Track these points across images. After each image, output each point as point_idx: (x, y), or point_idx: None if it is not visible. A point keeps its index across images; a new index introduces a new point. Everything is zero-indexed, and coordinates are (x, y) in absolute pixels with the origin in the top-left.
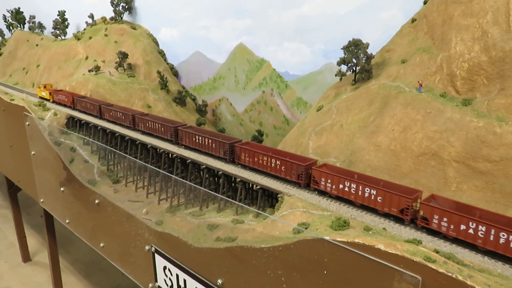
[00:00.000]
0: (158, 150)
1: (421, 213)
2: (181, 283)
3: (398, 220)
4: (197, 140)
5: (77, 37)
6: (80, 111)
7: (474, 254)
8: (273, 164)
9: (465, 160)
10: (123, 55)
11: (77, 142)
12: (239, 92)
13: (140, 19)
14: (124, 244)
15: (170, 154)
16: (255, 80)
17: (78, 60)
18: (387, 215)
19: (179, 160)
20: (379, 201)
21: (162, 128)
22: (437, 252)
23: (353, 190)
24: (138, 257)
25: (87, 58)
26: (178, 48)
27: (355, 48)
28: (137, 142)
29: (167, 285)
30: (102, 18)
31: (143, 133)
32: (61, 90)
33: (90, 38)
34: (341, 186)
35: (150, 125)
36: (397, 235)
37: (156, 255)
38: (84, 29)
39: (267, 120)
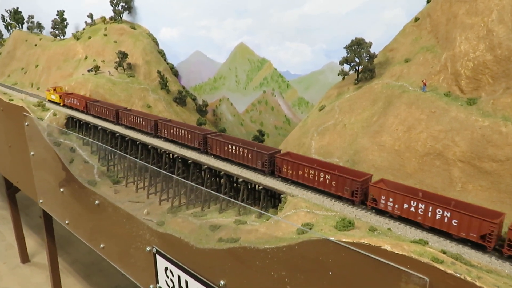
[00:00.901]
0: (159, 150)
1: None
2: (183, 284)
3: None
4: (230, 150)
5: (76, 37)
6: (94, 116)
7: (481, 255)
8: (321, 179)
9: (470, 160)
10: (123, 55)
11: (77, 143)
12: (240, 92)
13: (139, 18)
14: (125, 245)
15: (171, 154)
16: (256, 80)
17: (78, 60)
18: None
19: (180, 160)
20: (454, 224)
21: (189, 136)
22: (444, 253)
23: (421, 211)
24: (139, 258)
25: (86, 58)
26: (178, 48)
27: (357, 47)
28: (137, 142)
29: (169, 286)
30: (101, 17)
31: (166, 140)
32: (72, 93)
33: (90, 38)
34: (406, 205)
35: (175, 132)
36: (402, 236)
37: (157, 256)
38: (83, 29)
39: (268, 120)
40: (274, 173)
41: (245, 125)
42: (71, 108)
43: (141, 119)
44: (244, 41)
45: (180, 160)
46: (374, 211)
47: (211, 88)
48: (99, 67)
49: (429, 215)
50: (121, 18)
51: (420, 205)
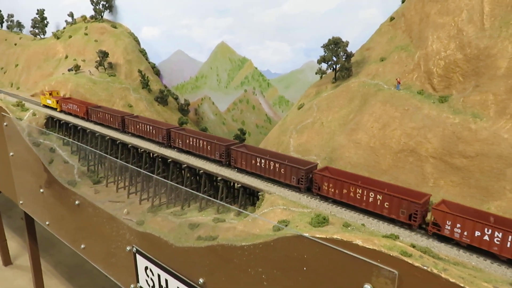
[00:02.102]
0: (139, 150)
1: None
2: (163, 283)
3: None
4: (258, 164)
5: (56, 36)
6: (96, 123)
7: (450, 248)
8: (370, 199)
9: (442, 156)
10: (104, 54)
11: (57, 143)
12: (221, 91)
13: (121, 17)
14: (106, 245)
15: (151, 154)
16: (237, 79)
17: (58, 59)
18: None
19: (160, 159)
20: None
21: (209, 147)
22: (414, 247)
23: (497, 241)
24: (120, 258)
25: (67, 57)
26: (160, 47)
27: (335, 46)
28: (117, 142)
29: (149, 285)
30: (82, 16)
31: (180, 150)
32: (70, 98)
33: (70, 37)
34: (477, 233)
35: (191, 142)
36: (375, 231)
37: (137, 255)
38: (64, 28)
39: (249, 119)
40: (310, 190)
41: (227, 124)
42: (69, 114)
43: (150, 127)
44: (225, 40)
45: (160, 159)
46: (436, 237)
47: (193, 87)
48: (80, 66)
49: (508, 245)
50: (102, 17)
51: (496, 233)
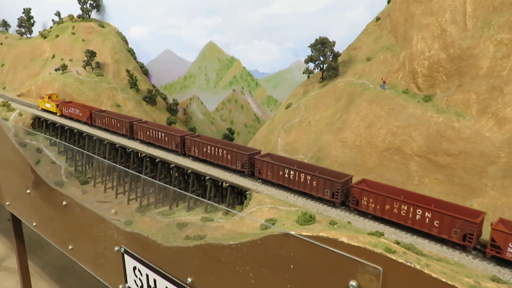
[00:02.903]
0: (127, 149)
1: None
2: (151, 283)
3: None
4: (288, 176)
5: (43, 35)
6: (101, 129)
7: (434, 245)
8: (417, 216)
9: (426, 154)
10: (91, 54)
11: (44, 143)
12: (210, 90)
13: (108, 17)
14: (93, 245)
15: (139, 154)
16: (226, 78)
17: (45, 59)
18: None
19: (148, 159)
20: None
21: (229, 156)
22: (398, 243)
23: None
24: (108, 258)
25: (53, 56)
26: (148, 46)
27: (322, 46)
28: (105, 142)
29: (137, 285)
30: (69, 16)
31: (196, 159)
32: (71, 102)
33: (57, 36)
34: None
35: (209, 151)
36: (361, 228)
37: (125, 255)
38: (51, 27)
39: (238, 118)
40: (345, 204)
41: (216, 123)
42: (71, 119)
43: (163, 134)
44: (213, 40)
45: (148, 159)
46: (495, 260)
47: (182, 87)
48: (67, 66)
49: None
50: (89, 16)
51: None
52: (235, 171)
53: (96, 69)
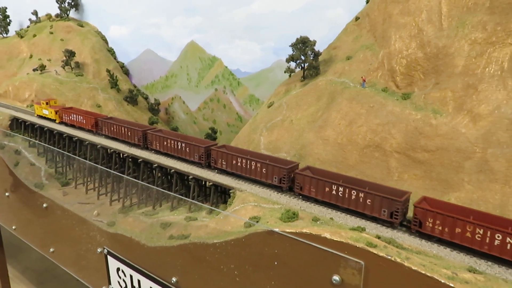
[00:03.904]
0: (108, 150)
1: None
2: (135, 284)
3: None
4: (335, 192)
5: (20, 34)
6: (108, 137)
7: (413, 238)
8: (360, 200)
9: (405, 150)
10: (70, 54)
11: (22, 145)
12: (192, 90)
13: (87, 16)
14: (76, 248)
15: (121, 154)
16: (208, 78)
17: (22, 59)
18: None
19: (130, 159)
20: None
21: (264, 169)
22: (379, 238)
23: None
24: (91, 260)
25: (31, 56)
26: (129, 46)
27: (302, 45)
28: (85, 142)
29: (121, 286)
30: (46, 15)
31: (221, 171)
32: (71, 108)
33: (34, 36)
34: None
35: (240, 164)
36: (343, 224)
37: (108, 257)
38: (28, 27)
39: (220, 117)
40: (402, 223)
41: (198, 123)
42: (72, 126)
43: (183, 145)
44: (194, 39)
45: (130, 160)
46: None
47: (163, 87)
48: (45, 66)
49: None
50: (67, 15)
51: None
52: (270, 186)
53: (75, 69)
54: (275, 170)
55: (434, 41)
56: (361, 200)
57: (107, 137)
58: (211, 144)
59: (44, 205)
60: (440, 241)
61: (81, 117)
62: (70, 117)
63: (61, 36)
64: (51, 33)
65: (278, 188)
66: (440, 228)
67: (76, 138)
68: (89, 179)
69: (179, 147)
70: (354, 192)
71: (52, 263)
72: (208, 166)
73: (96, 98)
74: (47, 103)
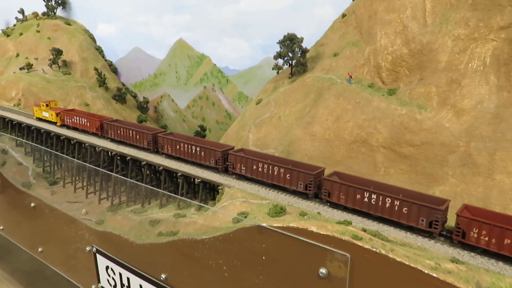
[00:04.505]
0: (96, 148)
1: None
2: (125, 282)
3: None
4: (366, 199)
5: (6, 33)
6: (115, 141)
7: (398, 231)
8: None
9: (391, 145)
10: (57, 52)
11: (9, 144)
12: (181, 88)
13: (74, 14)
14: (64, 247)
15: (109, 152)
16: (196, 75)
17: (8, 58)
18: None
19: (118, 157)
20: None
21: (288, 175)
22: (365, 231)
23: None
24: (80, 259)
25: (18, 55)
26: (117, 44)
27: (290, 42)
28: (73, 141)
29: (111, 284)
30: (33, 13)
31: (240, 177)
32: (73, 110)
33: (21, 34)
34: None
35: (266, 170)
36: (330, 218)
37: (97, 255)
38: (14, 25)
39: (209, 115)
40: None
41: (187, 121)
42: (75, 129)
43: (197, 148)
44: (183, 37)
45: (119, 158)
46: None
47: (152, 85)
48: (32, 65)
49: None
50: (54, 13)
51: None
52: (296, 192)
53: (63, 68)
54: (301, 176)
55: (419, 38)
56: (396, 208)
57: (113, 140)
58: (228, 148)
59: (32, 204)
60: (486, 252)
61: (85, 120)
62: (73, 119)
63: (48, 35)
64: (38, 31)
65: (303, 195)
66: (486, 239)
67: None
68: (77, 178)
69: (194, 151)
70: (388, 200)
71: (41, 264)
72: (226, 172)
73: (84, 97)
74: (47, 105)
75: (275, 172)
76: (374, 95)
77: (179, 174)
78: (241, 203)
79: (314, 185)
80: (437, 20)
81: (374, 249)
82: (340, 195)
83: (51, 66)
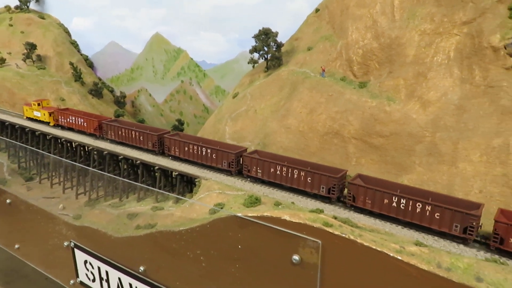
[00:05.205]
0: (73, 143)
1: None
2: (103, 275)
3: None
4: (394, 204)
5: None
6: (115, 142)
7: (368, 218)
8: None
9: (362, 136)
10: (31, 46)
11: None
12: (158, 82)
13: (48, 8)
14: (42, 243)
15: (86, 147)
16: (174, 70)
17: None
18: None
19: (95, 152)
20: None
21: (309, 178)
22: (335, 218)
23: None
24: (57, 254)
25: None
26: (92, 38)
27: (265, 36)
28: (48, 136)
29: (89, 278)
30: (5, 7)
31: (257, 180)
32: (67, 109)
33: None
34: None
35: (276, 170)
36: (304, 207)
37: (75, 250)
38: None
39: (187, 109)
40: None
41: (165, 115)
42: (70, 129)
43: (208, 150)
44: (159, 31)
45: (95, 152)
46: None
47: (129, 79)
48: (5, 59)
49: None
50: (27, 7)
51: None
52: (318, 196)
53: (37, 62)
54: (323, 179)
55: (388, 32)
56: (427, 214)
57: (113, 141)
58: (242, 150)
59: (8, 201)
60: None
61: (82, 120)
62: (68, 119)
63: (21, 29)
64: (11, 25)
65: (324, 198)
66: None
67: (39, 133)
68: (53, 174)
69: (204, 153)
70: (419, 205)
71: (19, 262)
72: (239, 174)
73: (59, 92)
74: (38, 104)
75: (295, 175)
76: (346, 88)
77: (156, 167)
78: (218, 195)
79: (338, 189)
80: (405, 16)
81: (344, 235)
82: (366, 200)
83: (25, 61)
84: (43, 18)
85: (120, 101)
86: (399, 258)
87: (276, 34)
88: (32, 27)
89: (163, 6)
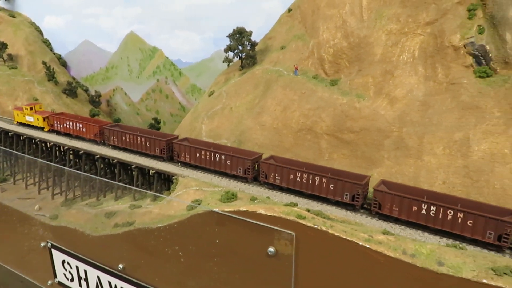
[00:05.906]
0: (48, 144)
1: None
2: (82, 274)
3: None
4: (423, 211)
5: None
6: (117, 148)
7: (340, 210)
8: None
9: (334, 132)
10: (2, 45)
11: None
12: (134, 81)
13: (19, 6)
14: (17, 244)
15: (61, 147)
16: (149, 68)
17: None
18: None
19: (71, 152)
20: None
21: (332, 185)
22: (309, 211)
23: None
24: (34, 255)
25: None
26: (66, 37)
27: (239, 36)
28: (22, 137)
29: (67, 278)
30: None
31: (273, 187)
32: (63, 113)
33: None
34: None
35: (295, 177)
36: (278, 201)
37: (53, 250)
38: None
39: (163, 108)
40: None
41: (141, 114)
42: (67, 135)
43: (222, 157)
44: (134, 30)
45: (71, 152)
46: None
47: (104, 78)
48: None
49: None
50: None
51: None
52: (342, 204)
53: (8, 62)
54: (347, 186)
55: (357, 32)
56: (459, 221)
57: (115, 147)
58: (258, 156)
59: None
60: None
61: (80, 125)
62: (64, 124)
63: None
64: None
65: (348, 206)
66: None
67: (13, 133)
68: (28, 174)
69: (217, 159)
70: (451, 212)
71: None
72: (256, 181)
73: (32, 91)
74: (31, 109)
75: (316, 182)
76: (318, 85)
77: (133, 166)
78: (195, 191)
79: (362, 196)
80: (372, 16)
81: (316, 226)
82: (393, 207)
83: None
84: (13, 16)
85: (95, 100)
86: (368, 246)
87: (250, 33)
88: (2, 26)
89: (137, 4)
